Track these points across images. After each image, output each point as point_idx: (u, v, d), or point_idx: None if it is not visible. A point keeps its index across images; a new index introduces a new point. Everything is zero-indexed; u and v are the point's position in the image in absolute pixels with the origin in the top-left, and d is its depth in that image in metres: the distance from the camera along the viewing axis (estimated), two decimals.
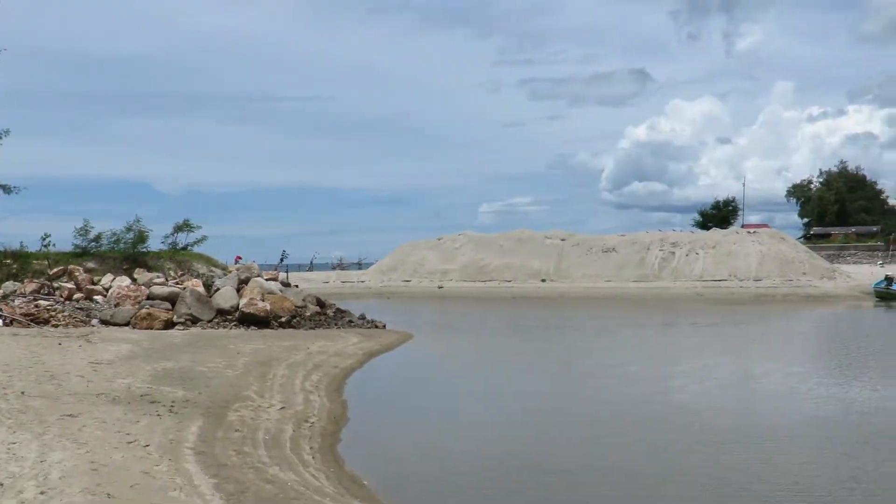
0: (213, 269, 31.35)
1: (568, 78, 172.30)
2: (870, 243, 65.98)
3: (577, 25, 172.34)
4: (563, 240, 58.11)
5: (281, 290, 26.10)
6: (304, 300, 26.10)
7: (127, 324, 21.70)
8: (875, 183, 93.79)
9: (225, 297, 23.70)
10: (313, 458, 9.87)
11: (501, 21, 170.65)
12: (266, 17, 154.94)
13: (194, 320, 22.41)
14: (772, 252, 50.94)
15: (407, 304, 44.36)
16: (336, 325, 25.32)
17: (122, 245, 29.83)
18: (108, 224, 39.53)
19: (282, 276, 30.99)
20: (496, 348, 24.75)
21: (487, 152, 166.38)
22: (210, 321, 22.68)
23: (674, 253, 52.95)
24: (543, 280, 53.82)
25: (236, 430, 10.30)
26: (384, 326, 26.65)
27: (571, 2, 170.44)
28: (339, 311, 27.12)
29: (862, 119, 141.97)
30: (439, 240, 62.83)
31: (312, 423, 11.70)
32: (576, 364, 20.42)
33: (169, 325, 21.86)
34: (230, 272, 27.97)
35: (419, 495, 8.95)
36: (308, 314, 25.10)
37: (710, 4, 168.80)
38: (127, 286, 24.57)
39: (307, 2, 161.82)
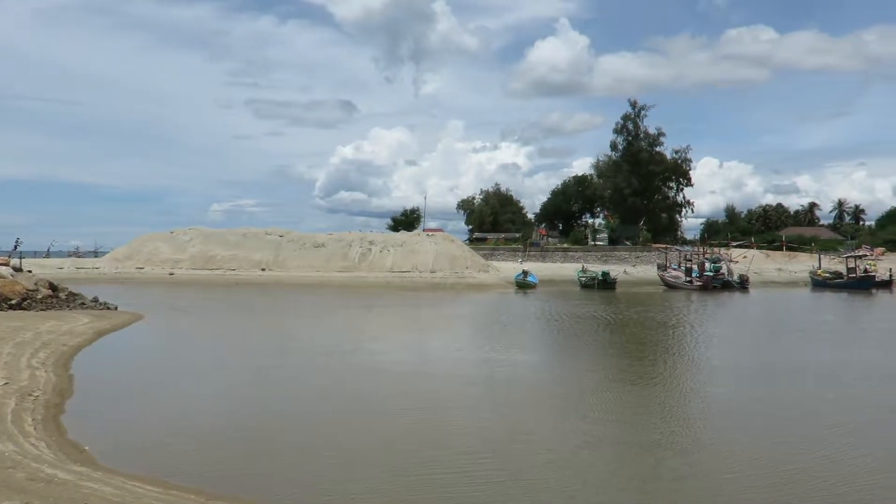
0: None
1: (288, 102, 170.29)
2: (513, 246, 72.01)
3: (297, 59, 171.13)
4: (281, 236, 57.22)
5: (12, 275, 23.14)
6: (35, 284, 23.37)
7: None
8: (519, 201, 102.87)
9: None
10: (35, 429, 8.99)
11: (233, 47, 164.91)
12: (9, 21, 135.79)
13: None
14: (444, 250, 53.84)
15: (140, 289, 41.17)
16: (69, 307, 22.98)
17: None
18: None
19: (14, 262, 27.44)
20: (221, 327, 23.94)
21: (219, 159, 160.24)
22: None
23: (371, 249, 54.31)
24: (264, 269, 52.64)
25: None
26: (116, 308, 24.65)
27: (293, 39, 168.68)
28: (71, 294, 24.62)
29: (511, 153, 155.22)
30: (172, 233, 58.86)
31: (37, 396, 10.64)
32: (289, 339, 20.37)
33: None
34: None
35: (136, 458, 8.42)
36: (40, 297, 22.55)
37: (402, 55, 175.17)
38: None
39: (52, 10, 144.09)
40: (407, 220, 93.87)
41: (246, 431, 9.59)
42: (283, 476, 7.73)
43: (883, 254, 61.87)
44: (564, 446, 8.82)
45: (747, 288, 48.37)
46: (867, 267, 53.80)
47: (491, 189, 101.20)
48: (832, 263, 59.24)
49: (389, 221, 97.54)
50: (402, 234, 60.50)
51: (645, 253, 66.14)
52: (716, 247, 61.74)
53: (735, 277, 49.85)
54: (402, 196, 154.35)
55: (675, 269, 53.08)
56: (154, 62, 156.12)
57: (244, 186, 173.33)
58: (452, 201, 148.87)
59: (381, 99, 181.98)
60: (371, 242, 55.57)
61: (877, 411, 11.09)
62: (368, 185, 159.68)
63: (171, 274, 51.27)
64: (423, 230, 71.84)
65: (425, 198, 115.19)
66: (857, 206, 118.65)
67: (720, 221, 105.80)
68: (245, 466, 8.05)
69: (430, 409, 10.82)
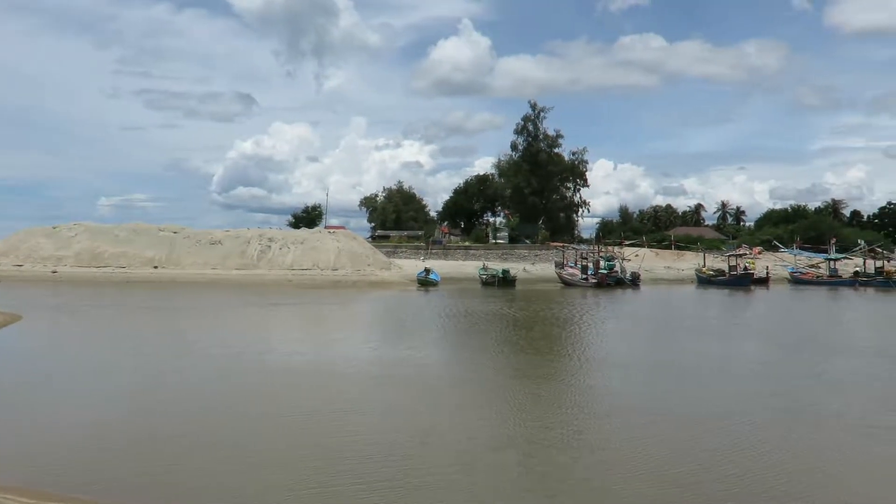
0: None
1: (183, 93, 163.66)
2: (416, 243, 72.22)
3: (193, 50, 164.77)
4: (175, 232, 54.93)
5: None
6: None
7: None
8: (421, 199, 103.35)
9: None
10: None
11: (123, 34, 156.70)
12: None
13: None
14: (346, 248, 53.29)
15: (19, 288, 38.54)
16: None
17: None
18: None
19: None
20: (111, 328, 22.71)
21: (107, 151, 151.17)
22: None
23: (270, 246, 53.04)
24: (156, 267, 50.41)
25: None
26: None
27: (190, 28, 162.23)
28: None
29: (413, 151, 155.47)
30: (55, 228, 55.41)
31: None
32: (187, 340, 19.57)
33: None
34: None
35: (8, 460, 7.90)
36: None
37: (304, 49, 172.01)
38: None
39: None
40: (308, 218, 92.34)
41: (135, 438, 9.09)
42: (173, 484, 7.40)
43: (760, 253, 66.01)
44: (475, 447, 8.81)
45: (639, 285, 50.46)
46: (746, 265, 57.27)
47: (394, 187, 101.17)
48: (716, 262, 62.69)
49: (290, 218, 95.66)
50: (304, 232, 59.46)
51: (543, 251, 67.84)
52: (610, 245, 63.99)
53: (627, 275, 51.89)
54: (303, 193, 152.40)
55: (571, 267, 54.73)
56: (36, 46, 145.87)
57: (135, 180, 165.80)
58: (355, 199, 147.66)
59: (282, 93, 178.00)
60: (271, 239, 54.24)
61: (767, 400, 11.77)
62: (268, 180, 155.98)
63: (54, 272, 48.27)
64: (325, 227, 70.92)
65: (327, 195, 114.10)
66: (738, 208, 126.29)
67: (614, 221, 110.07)
68: (136, 474, 7.66)
69: (334, 411, 10.58)
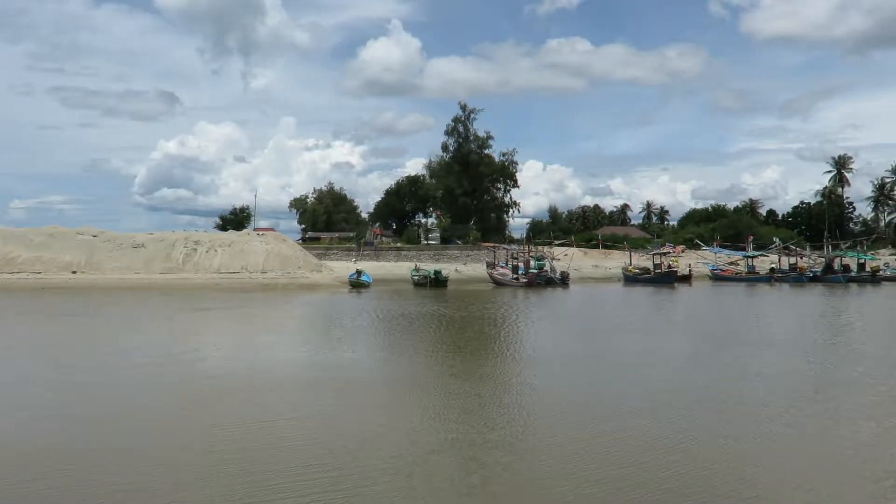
0: None
1: (101, 91, 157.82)
2: (347, 245, 71.58)
3: (112, 46, 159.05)
4: (95, 236, 52.65)
5: None
6: None
7: None
8: (353, 200, 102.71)
9: None
10: None
11: (36, 28, 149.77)
12: None
13: None
14: (275, 250, 52.29)
15: None
16: None
17: None
18: None
19: None
20: (24, 338, 21.52)
21: (20, 152, 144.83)
22: None
23: (196, 249, 51.51)
24: (75, 272, 48.19)
25: None
26: None
27: (109, 24, 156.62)
28: None
29: (344, 152, 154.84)
30: None
31: None
32: (111, 349, 18.70)
33: None
34: None
35: None
36: None
37: (231, 47, 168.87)
38: None
39: None
40: (236, 220, 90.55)
41: (44, 458, 8.58)
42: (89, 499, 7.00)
43: (683, 251, 68.28)
44: (415, 450, 8.62)
45: (568, 284, 51.35)
46: (670, 263, 59.11)
47: (324, 188, 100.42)
48: (641, 260, 64.46)
49: (217, 220, 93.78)
50: (231, 234, 58.05)
51: (475, 251, 68.32)
52: (540, 245, 64.99)
53: (557, 274, 52.77)
54: (230, 194, 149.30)
55: (502, 267, 55.29)
56: None
57: (51, 182, 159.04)
58: (284, 200, 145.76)
59: (207, 92, 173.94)
60: (197, 242, 52.67)
61: (700, 392, 12.05)
62: (194, 181, 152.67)
63: None
64: (254, 229, 69.59)
65: (255, 196, 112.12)
66: (662, 208, 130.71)
67: (544, 221, 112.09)
68: (49, 493, 7.20)
69: (268, 417, 10.20)
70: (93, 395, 12.02)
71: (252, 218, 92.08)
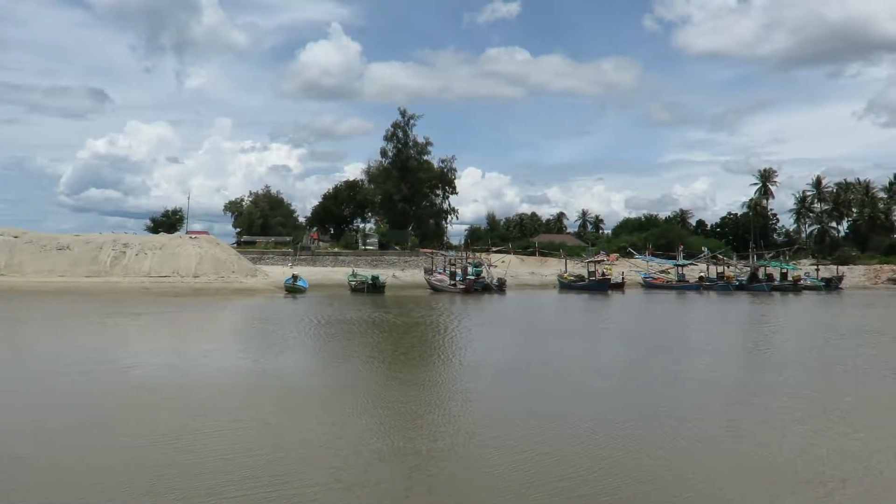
0: None
1: (25, 86, 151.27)
2: (283, 249, 70.36)
3: (38, 40, 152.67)
4: (16, 237, 50.22)
5: None
6: None
7: None
8: (290, 204, 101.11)
9: None
10: None
11: None
12: None
13: None
14: (209, 254, 50.92)
15: None
16: None
17: None
18: None
19: None
20: None
21: None
22: None
23: (125, 252, 49.70)
24: None
25: None
26: None
27: (34, 17, 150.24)
28: None
29: (282, 155, 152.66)
30: None
31: None
32: (33, 357, 17.83)
33: None
34: None
35: None
36: None
37: (164, 45, 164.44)
38: None
39: None
40: (168, 222, 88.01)
41: None
42: None
43: (617, 259, 69.84)
44: (358, 461, 8.48)
45: (504, 290, 51.82)
46: (604, 271, 60.34)
47: (260, 191, 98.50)
48: (576, 268, 65.59)
49: (148, 223, 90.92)
50: (163, 237, 56.27)
51: (413, 257, 68.20)
52: (478, 252, 65.43)
53: (494, 281, 53.21)
54: (162, 196, 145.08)
55: (440, 273, 55.37)
56: None
57: None
58: (219, 203, 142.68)
59: (139, 90, 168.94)
60: (126, 245, 50.78)
61: (629, 399, 12.28)
62: (124, 182, 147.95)
63: None
64: (187, 232, 67.78)
65: (189, 198, 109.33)
66: (597, 217, 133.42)
67: (482, 228, 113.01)
68: None
69: (205, 428, 9.86)
70: (8, 407, 11.44)
71: (185, 220, 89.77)
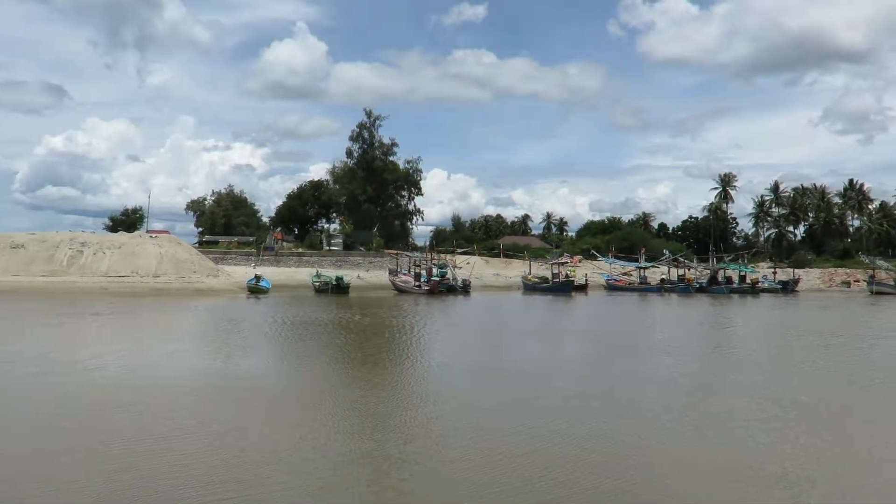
0: None
1: None
2: (246, 250, 69.40)
3: None
4: None
5: None
6: None
7: None
8: (254, 204, 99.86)
9: None
10: None
11: None
12: None
13: None
14: (169, 254, 50.11)
15: None
16: None
17: None
18: None
19: None
20: None
21: None
22: None
23: (83, 251, 48.57)
24: None
25: None
26: None
27: None
28: None
29: (245, 154, 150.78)
30: None
31: None
32: None
33: None
34: None
35: None
36: None
37: (126, 41, 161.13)
38: None
39: None
40: (128, 221, 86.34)
41: None
42: None
43: (580, 261, 70.48)
44: (326, 465, 8.31)
45: (469, 292, 51.90)
46: (568, 273, 60.80)
47: (223, 190, 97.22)
48: (540, 270, 65.98)
49: (107, 221, 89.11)
50: (122, 236, 55.14)
51: (378, 258, 67.85)
52: (443, 253, 65.42)
53: (459, 282, 53.26)
54: (122, 194, 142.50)
55: (405, 274, 55.21)
56: None
57: None
58: (181, 202, 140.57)
59: (99, 87, 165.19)
60: (83, 244, 49.64)
61: (595, 400, 12.33)
62: (82, 180, 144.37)
63: None
64: (147, 232, 66.43)
65: (150, 197, 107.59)
66: (561, 219, 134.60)
67: (447, 229, 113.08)
68: None
69: (167, 433, 9.60)
70: None
71: (145, 220, 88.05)
